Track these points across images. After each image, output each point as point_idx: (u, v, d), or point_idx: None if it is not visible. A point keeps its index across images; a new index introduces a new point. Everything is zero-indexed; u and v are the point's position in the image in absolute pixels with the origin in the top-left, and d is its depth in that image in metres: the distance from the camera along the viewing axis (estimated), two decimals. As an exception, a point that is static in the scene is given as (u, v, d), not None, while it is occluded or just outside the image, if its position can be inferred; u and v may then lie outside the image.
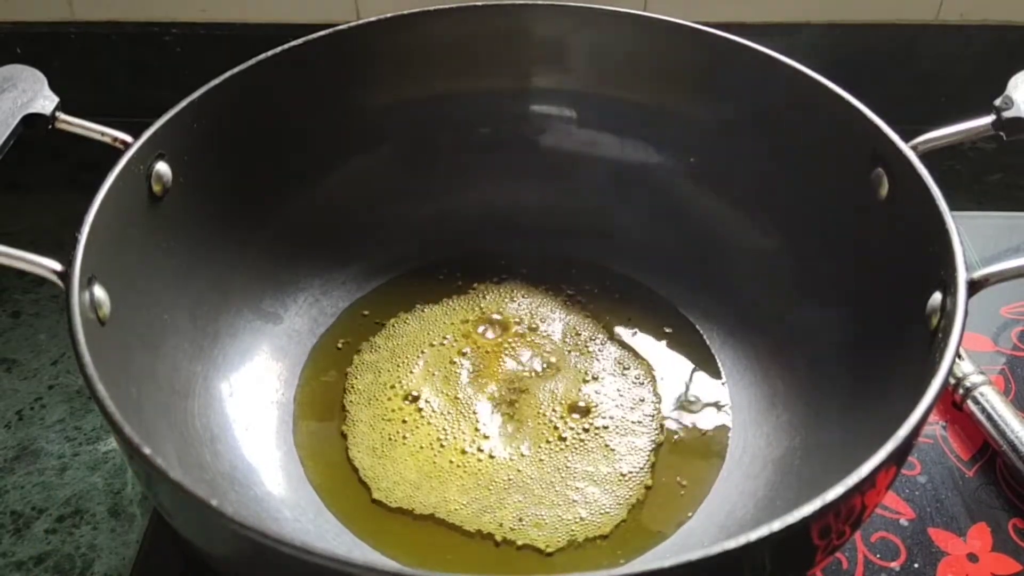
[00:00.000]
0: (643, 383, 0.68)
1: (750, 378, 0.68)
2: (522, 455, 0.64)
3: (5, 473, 0.67)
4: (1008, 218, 0.86)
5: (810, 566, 0.50)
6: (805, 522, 0.41)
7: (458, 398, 0.67)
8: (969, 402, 0.68)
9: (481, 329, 0.72)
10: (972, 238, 0.68)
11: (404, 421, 0.66)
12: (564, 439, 0.65)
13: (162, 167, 0.59)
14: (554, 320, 0.72)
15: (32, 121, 0.57)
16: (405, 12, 0.68)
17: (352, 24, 0.67)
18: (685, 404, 0.67)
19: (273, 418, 0.65)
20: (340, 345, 0.70)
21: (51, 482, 0.67)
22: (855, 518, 0.47)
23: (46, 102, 0.58)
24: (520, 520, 0.60)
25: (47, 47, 0.88)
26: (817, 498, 0.41)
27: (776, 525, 0.40)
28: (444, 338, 0.71)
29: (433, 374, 0.68)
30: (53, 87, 0.58)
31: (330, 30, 0.67)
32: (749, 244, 0.71)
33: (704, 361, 0.70)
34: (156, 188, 0.59)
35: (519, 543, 0.59)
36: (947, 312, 0.50)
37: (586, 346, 0.70)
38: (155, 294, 0.59)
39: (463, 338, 0.71)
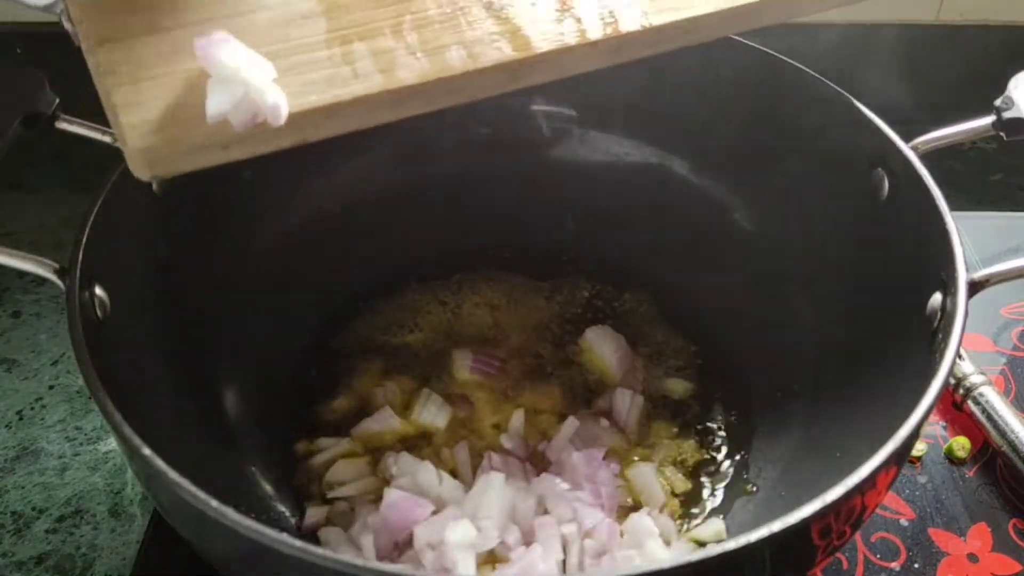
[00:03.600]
0: (637, 385, 0.68)
1: (751, 379, 0.68)
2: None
3: (5, 473, 0.67)
4: (1008, 218, 0.86)
5: (810, 566, 0.50)
6: (805, 522, 0.41)
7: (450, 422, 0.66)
8: (969, 402, 0.68)
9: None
10: (972, 238, 0.68)
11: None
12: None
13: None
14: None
15: (32, 121, 0.57)
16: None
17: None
18: (684, 405, 0.68)
19: (273, 418, 0.65)
20: (336, 347, 0.70)
21: (51, 482, 0.67)
22: (855, 518, 0.47)
23: (46, 102, 0.57)
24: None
25: (47, 47, 0.88)
26: (817, 498, 0.42)
27: (776, 525, 0.40)
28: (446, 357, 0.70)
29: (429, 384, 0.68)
30: (53, 87, 0.58)
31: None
32: (749, 244, 0.71)
33: (705, 361, 0.70)
34: (156, 187, 0.59)
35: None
36: (947, 312, 0.50)
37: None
38: (155, 294, 0.59)
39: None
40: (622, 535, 0.58)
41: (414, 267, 0.75)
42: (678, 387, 0.68)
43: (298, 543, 0.39)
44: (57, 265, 0.51)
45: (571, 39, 0.48)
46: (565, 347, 0.70)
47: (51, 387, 0.73)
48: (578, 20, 0.48)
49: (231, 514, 0.41)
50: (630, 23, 0.49)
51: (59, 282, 0.51)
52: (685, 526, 0.60)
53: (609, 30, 0.48)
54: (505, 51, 0.47)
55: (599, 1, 0.49)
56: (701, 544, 0.59)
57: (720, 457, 0.64)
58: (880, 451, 0.43)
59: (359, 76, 0.45)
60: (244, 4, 0.47)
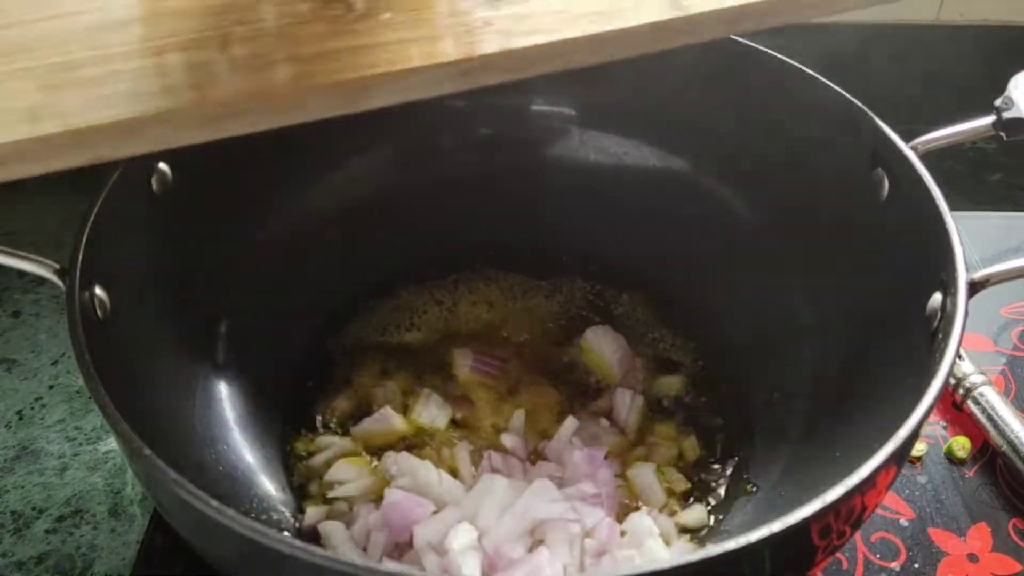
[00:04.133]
0: (637, 385, 0.68)
1: (751, 379, 0.68)
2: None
3: (5, 473, 0.67)
4: (1008, 218, 0.86)
5: (810, 566, 0.50)
6: (805, 522, 0.41)
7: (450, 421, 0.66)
8: (969, 402, 0.68)
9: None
10: (972, 238, 0.68)
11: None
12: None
13: (162, 166, 0.59)
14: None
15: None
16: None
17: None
18: (685, 405, 0.67)
19: (273, 418, 0.65)
20: (335, 347, 0.70)
21: (51, 482, 0.67)
22: (855, 518, 0.47)
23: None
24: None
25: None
26: (817, 498, 0.42)
27: (776, 525, 0.40)
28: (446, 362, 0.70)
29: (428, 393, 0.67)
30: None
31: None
32: (749, 244, 0.71)
33: (705, 361, 0.70)
34: (157, 187, 0.59)
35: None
36: (947, 313, 0.50)
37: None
38: (155, 294, 0.59)
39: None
40: (622, 535, 0.58)
41: (414, 267, 0.75)
42: (678, 387, 0.68)
43: (298, 543, 0.39)
44: (57, 265, 0.51)
45: (418, 60, 0.42)
46: (565, 347, 0.71)
47: (51, 387, 0.73)
48: (432, 39, 0.43)
49: (231, 514, 0.40)
50: (489, 45, 0.43)
51: (59, 282, 0.51)
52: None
53: (464, 51, 0.43)
54: (340, 71, 0.42)
55: (459, 20, 0.44)
56: (687, 529, 0.60)
57: (720, 457, 0.64)
58: (880, 451, 0.43)
59: (167, 91, 0.40)
60: (62, 6, 0.43)
